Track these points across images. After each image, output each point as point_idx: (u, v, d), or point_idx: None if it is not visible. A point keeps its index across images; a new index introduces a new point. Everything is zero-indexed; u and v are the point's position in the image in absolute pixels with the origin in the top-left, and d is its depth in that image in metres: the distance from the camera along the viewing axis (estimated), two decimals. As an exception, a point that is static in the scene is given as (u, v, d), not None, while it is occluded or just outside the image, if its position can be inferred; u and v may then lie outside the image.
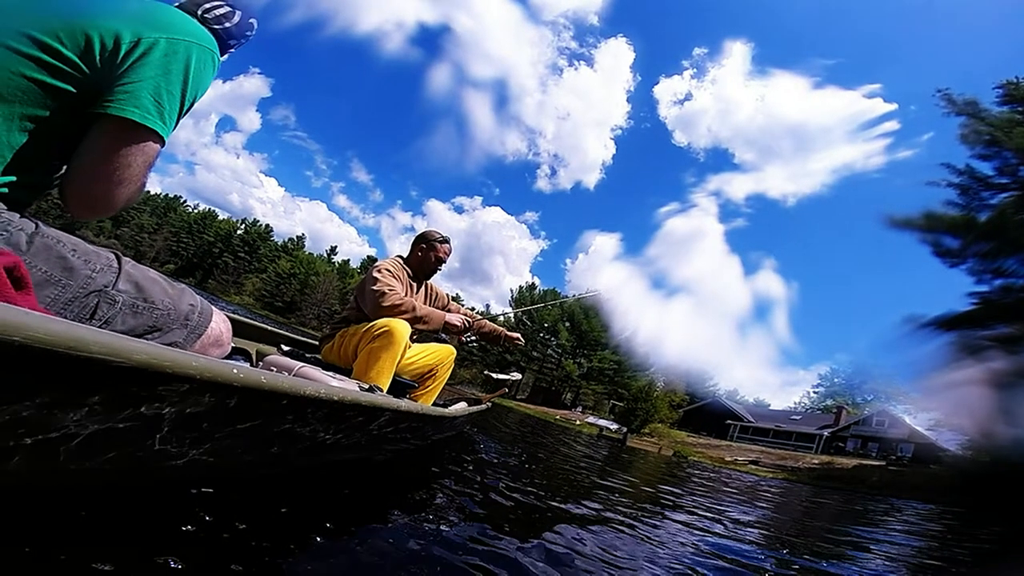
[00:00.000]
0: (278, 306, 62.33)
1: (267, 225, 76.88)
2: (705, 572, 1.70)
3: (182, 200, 79.74)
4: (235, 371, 0.67)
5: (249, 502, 1.15)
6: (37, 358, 0.44)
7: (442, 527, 1.42)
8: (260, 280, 66.61)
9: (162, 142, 0.89)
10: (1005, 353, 14.80)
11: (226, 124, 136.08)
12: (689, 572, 1.66)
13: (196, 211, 77.79)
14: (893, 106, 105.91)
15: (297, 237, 76.34)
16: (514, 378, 4.13)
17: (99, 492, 0.82)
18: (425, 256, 2.67)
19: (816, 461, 30.65)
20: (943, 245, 17.56)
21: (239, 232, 74.97)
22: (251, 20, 1.23)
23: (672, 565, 1.70)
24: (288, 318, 58.19)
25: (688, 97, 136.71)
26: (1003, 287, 16.14)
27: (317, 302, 61.11)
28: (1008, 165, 16.56)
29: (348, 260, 75.03)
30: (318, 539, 1.07)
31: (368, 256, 77.75)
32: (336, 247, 78.85)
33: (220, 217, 78.67)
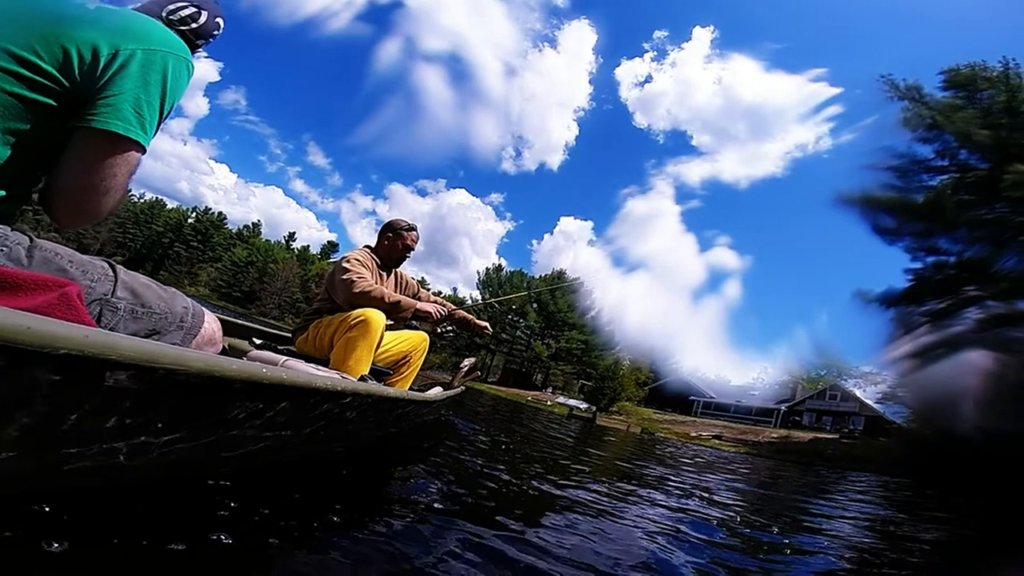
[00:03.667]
0: (236, 296, 59.86)
1: (220, 213, 73.21)
2: (683, 547, 1.81)
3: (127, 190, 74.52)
4: (264, 371, 0.76)
5: (262, 490, 1.24)
6: (123, 371, 0.53)
7: (436, 505, 1.54)
8: (216, 270, 63.56)
9: (144, 151, 0.92)
10: (933, 328, 15.99)
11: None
12: (669, 547, 1.75)
13: (142, 201, 73.19)
14: (839, 90, 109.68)
15: (253, 224, 73.04)
16: (467, 365, 4.20)
17: (138, 487, 0.90)
18: (392, 244, 2.71)
19: (775, 435, 32.26)
20: (881, 224, 18.71)
21: (190, 221, 71.11)
22: (217, 19, 1.22)
23: (652, 540, 1.81)
24: (248, 308, 56.11)
25: (648, 79, 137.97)
26: (935, 264, 17.37)
27: (277, 291, 59.08)
28: (948, 148, 17.57)
29: (308, 246, 72.45)
30: (335, 519, 1.18)
31: (328, 241, 75.54)
32: (295, 233, 75.74)
33: (169, 206, 74.36)
